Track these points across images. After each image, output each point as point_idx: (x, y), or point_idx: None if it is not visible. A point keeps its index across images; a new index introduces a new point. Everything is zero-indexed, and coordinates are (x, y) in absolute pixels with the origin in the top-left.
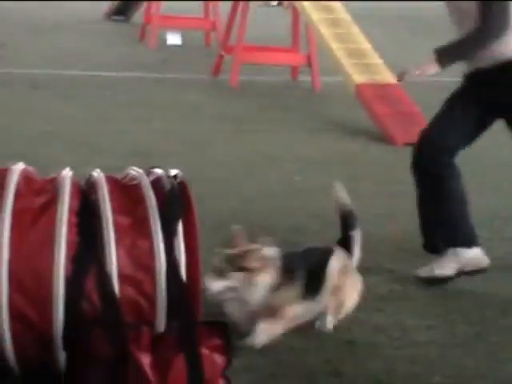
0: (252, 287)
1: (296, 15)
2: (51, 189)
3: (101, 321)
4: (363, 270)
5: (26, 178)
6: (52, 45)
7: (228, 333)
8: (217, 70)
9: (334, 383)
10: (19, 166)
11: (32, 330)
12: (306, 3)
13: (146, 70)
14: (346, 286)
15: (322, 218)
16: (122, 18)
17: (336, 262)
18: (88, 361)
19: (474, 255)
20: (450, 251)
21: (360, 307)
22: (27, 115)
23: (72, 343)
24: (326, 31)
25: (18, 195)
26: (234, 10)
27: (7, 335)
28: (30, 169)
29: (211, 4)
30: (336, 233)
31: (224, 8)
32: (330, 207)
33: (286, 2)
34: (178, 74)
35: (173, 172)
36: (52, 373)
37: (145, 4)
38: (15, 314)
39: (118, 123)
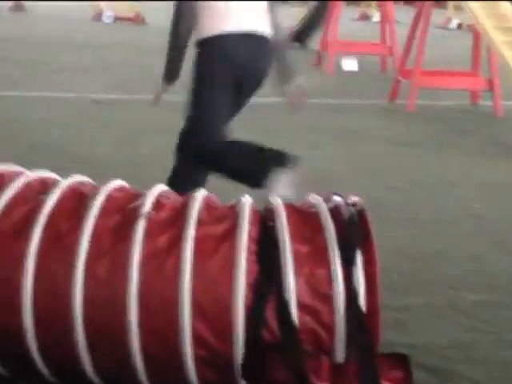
0: None
1: (477, 38)
2: (232, 216)
3: (280, 349)
4: None
5: (207, 206)
6: None
7: (409, 365)
8: (394, 95)
9: None
10: (201, 193)
11: (214, 357)
12: (488, 26)
13: (322, 95)
14: None
15: (503, 247)
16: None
17: None
18: None
19: None
20: None
21: None
22: None
23: (252, 371)
24: (509, 54)
25: (199, 223)
26: (412, 34)
27: (191, 363)
28: (212, 196)
29: (388, 29)
30: None
31: (400, 32)
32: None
33: (466, 25)
34: (354, 99)
35: (352, 199)
36: None
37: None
38: (198, 342)
39: (295, 148)
